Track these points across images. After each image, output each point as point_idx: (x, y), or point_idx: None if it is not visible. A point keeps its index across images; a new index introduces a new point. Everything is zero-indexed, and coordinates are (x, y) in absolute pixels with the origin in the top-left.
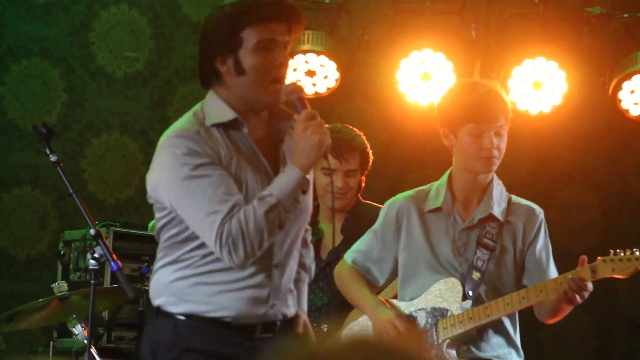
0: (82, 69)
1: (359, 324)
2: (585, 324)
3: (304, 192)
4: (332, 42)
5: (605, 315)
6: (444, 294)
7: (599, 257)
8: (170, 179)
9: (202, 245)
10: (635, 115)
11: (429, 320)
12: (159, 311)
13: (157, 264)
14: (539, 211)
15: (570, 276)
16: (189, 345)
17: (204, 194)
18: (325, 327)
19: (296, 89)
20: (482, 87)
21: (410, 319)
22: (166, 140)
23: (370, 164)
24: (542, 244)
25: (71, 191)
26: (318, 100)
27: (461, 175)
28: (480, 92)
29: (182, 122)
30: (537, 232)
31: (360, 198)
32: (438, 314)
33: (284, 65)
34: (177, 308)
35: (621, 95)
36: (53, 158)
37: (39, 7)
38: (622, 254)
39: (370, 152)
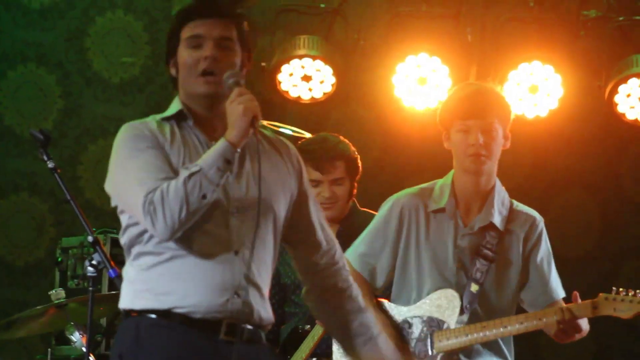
0: (78, 74)
1: None
2: None
3: (228, 162)
4: (328, 46)
5: (604, 321)
6: (441, 305)
7: (601, 294)
8: (113, 163)
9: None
10: (631, 119)
11: (424, 329)
12: (124, 313)
13: (124, 270)
14: (539, 219)
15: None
16: (149, 352)
17: (138, 168)
18: (307, 327)
19: (234, 74)
20: (472, 86)
21: (404, 327)
22: (116, 140)
23: (360, 168)
24: (543, 253)
25: (68, 198)
26: (314, 105)
27: (460, 177)
28: (469, 90)
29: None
30: (537, 242)
31: (357, 205)
32: (434, 324)
33: (214, 60)
34: (139, 303)
35: (617, 98)
36: (50, 164)
37: (34, 13)
38: (625, 295)
39: (358, 157)
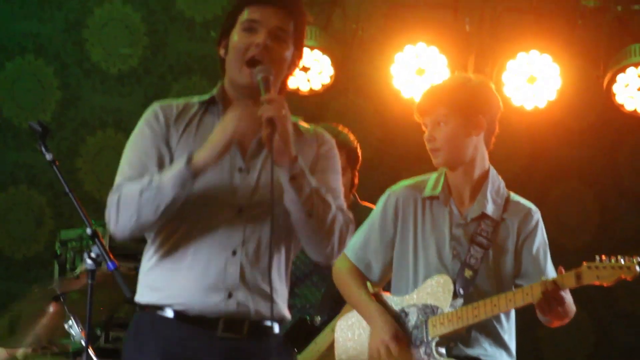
0: (76, 66)
1: (354, 316)
2: (582, 320)
3: (184, 185)
4: (326, 37)
5: (603, 312)
6: (435, 291)
7: (584, 263)
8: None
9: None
10: (630, 110)
11: (420, 317)
12: (137, 307)
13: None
14: (535, 211)
15: (551, 280)
16: (146, 344)
17: (126, 157)
18: (318, 319)
19: (264, 69)
20: (431, 85)
21: (401, 317)
22: None
23: (360, 159)
24: (539, 244)
25: (67, 190)
26: (313, 96)
27: (447, 170)
28: (425, 90)
29: None
30: (533, 232)
31: (358, 199)
32: (429, 311)
33: (265, 49)
34: (142, 298)
35: (615, 88)
36: (49, 157)
37: (32, 4)
38: (608, 262)
39: (358, 146)
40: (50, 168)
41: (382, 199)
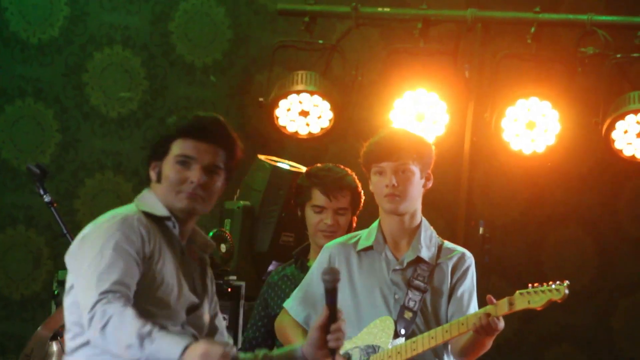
0: (76, 109)
1: None
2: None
3: None
4: (326, 82)
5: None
6: (377, 332)
7: (517, 291)
8: (92, 247)
9: None
10: (628, 155)
11: (362, 357)
12: None
13: None
14: (469, 256)
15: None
16: None
17: (108, 265)
18: None
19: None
20: (387, 129)
21: (345, 357)
22: (104, 222)
23: (362, 204)
24: (465, 287)
25: (65, 231)
26: (312, 140)
27: (384, 218)
28: (383, 133)
29: (123, 209)
30: (463, 275)
31: None
32: (370, 350)
33: (201, 186)
34: None
35: (614, 135)
36: (47, 198)
37: (32, 48)
38: (539, 287)
39: (362, 191)
40: (48, 209)
41: (319, 255)
